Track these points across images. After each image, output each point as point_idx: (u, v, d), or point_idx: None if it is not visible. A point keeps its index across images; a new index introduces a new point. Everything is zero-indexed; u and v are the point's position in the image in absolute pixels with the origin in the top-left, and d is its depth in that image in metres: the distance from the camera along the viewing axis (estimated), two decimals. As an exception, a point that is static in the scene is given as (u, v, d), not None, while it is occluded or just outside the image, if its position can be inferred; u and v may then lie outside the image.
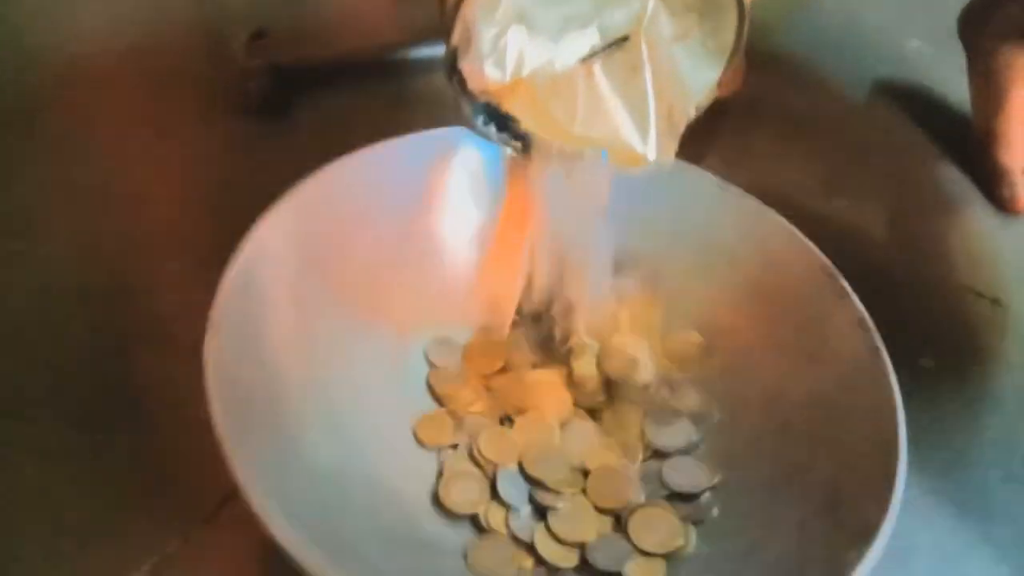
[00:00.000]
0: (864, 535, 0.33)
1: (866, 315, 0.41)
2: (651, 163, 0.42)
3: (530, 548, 0.39)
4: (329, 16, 0.74)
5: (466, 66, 0.40)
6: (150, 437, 0.44)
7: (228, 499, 0.41)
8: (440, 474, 0.41)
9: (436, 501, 0.40)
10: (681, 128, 0.43)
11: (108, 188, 0.57)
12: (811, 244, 0.44)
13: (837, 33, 0.82)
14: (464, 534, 0.40)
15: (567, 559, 0.38)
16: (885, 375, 0.39)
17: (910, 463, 0.36)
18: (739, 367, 0.45)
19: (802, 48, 0.79)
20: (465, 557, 0.38)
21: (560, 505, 0.40)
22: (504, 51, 0.40)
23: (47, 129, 0.61)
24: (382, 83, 0.67)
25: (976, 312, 0.57)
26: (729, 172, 0.49)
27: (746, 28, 0.42)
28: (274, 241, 0.41)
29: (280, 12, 0.73)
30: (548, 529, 0.39)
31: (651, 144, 0.42)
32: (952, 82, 0.77)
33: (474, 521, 0.40)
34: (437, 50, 0.68)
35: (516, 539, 0.39)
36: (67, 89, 0.64)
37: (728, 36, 0.42)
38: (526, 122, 0.42)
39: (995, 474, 0.48)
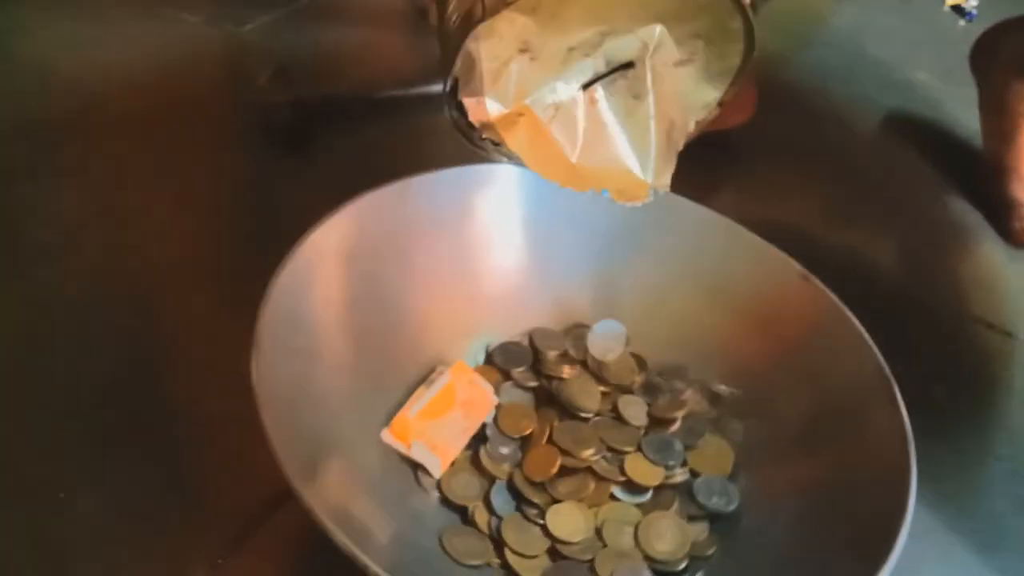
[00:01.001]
0: (875, 557, 0.34)
1: (873, 347, 0.42)
2: (650, 191, 0.42)
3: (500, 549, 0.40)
4: (349, 52, 0.76)
5: (467, 98, 0.40)
6: (176, 464, 0.44)
7: (254, 527, 0.42)
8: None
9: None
10: (680, 145, 0.43)
11: (135, 217, 0.58)
12: (819, 282, 0.45)
13: (845, 66, 0.83)
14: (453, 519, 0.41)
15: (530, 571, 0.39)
16: (890, 391, 0.40)
17: (923, 493, 0.36)
18: (754, 401, 0.46)
19: (811, 80, 0.80)
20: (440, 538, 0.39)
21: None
22: (507, 82, 0.39)
23: (75, 159, 0.62)
24: (402, 117, 0.68)
25: (988, 344, 0.58)
26: (740, 203, 0.50)
27: (754, 51, 0.41)
28: (316, 260, 0.41)
29: (301, 48, 0.75)
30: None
31: (650, 167, 0.42)
32: (960, 115, 0.78)
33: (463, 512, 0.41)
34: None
35: (493, 539, 0.40)
36: (94, 121, 0.65)
37: (734, 59, 0.42)
38: (524, 158, 0.42)
39: (1007, 505, 0.48)
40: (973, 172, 0.71)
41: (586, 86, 0.41)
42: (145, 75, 0.70)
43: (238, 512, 0.42)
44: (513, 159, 0.43)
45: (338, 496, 0.36)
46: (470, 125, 0.41)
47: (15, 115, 0.65)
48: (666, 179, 0.42)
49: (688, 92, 0.42)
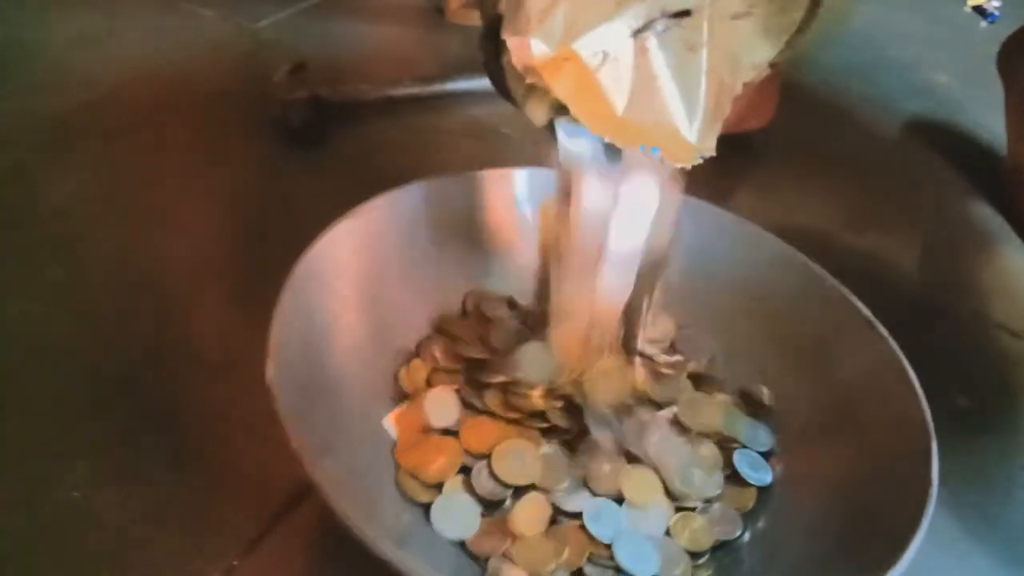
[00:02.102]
0: (891, 557, 0.33)
1: (897, 350, 0.42)
2: (696, 155, 0.39)
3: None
4: (366, 50, 0.76)
5: (511, 37, 0.37)
6: (191, 467, 0.44)
7: (268, 530, 0.42)
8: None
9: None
10: (727, 109, 0.40)
11: (149, 214, 0.58)
12: (839, 284, 0.45)
13: (866, 67, 0.83)
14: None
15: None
16: (914, 398, 0.39)
17: (944, 501, 0.36)
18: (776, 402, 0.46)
19: (831, 83, 0.79)
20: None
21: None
22: (554, 23, 0.37)
23: (90, 155, 0.62)
24: (419, 115, 0.68)
25: (1011, 352, 0.57)
26: (759, 205, 0.49)
27: (819, 6, 0.39)
28: (329, 262, 0.41)
29: (317, 44, 0.75)
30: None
31: (696, 127, 0.39)
32: (981, 117, 0.77)
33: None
34: (472, 84, 0.70)
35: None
36: (110, 117, 0.65)
37: (795, 15, 0.39)
38: (570, 105, 0.39)
39: (1032, 515, 0.47)
40: (995, 176, 0.70)
41: (637, 33, 0.39)
42: (160, 70, 0.70)
43: (253, 513, 0.42)
44: (548, 111, 0.40)
45: (353, 488, 0.36)
46: (505, 70, 0.39)
47: (30, 110, 0.65)
48: (711, 142, 0.39)
49: (742, 49, 0.40)
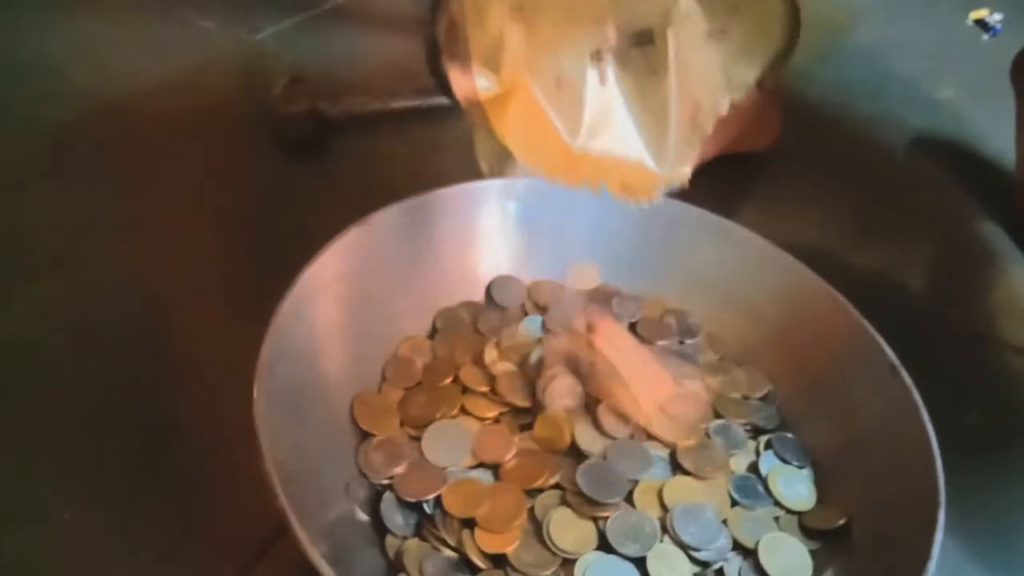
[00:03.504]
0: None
1: (898, 364, 0.41)
2: (662, 186, 0.37)
3: None
4: (365, 62, 0.75)
5: (452, 69, 0.35)
6: (187, 485, 0.43)
7: (264, 549, 0.41)
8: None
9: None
10: (707, 129, 0.38)
11: (148, 226, 0.57)
12: (844, 299, 0.44)
13: (870, 81, 0.82)
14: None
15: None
16: (920, 421, 0.39)
17: (951, 524, 0.35)
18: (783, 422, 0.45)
19: (835, 100, 0.79)
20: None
21: None
22: (497, 51, 0.34)
23: (88, 168, 0.61)
24: (419, 127, 0.67)
25: (1019, 370, 0.56)
26: (764, 222, 0.49)
27: (799, 31, 0.37)
28: (318, 288, 0.41)
29: (316, 56, 0.74)
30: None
31: (667, 154, 0.36)
32: (986, 131, 0.77)
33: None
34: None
35: None
36: (108, 129, 0.65)
37: (775, 30, 0.37)
38: (515, 147, 0.36)
39: (1041, 539, 0.47)
40: (1002, 191, 0.69)
41: (595, 56, 0.36)
42: (158, 81, 0.70)
43: (249, 532, 0.41)
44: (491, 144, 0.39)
45: (336, 535, 0.36)
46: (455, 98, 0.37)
47: (26, 120, 0.64)
48: (686, 168, 0.37)
49: (722, 69, 0.37)
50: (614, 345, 0.41)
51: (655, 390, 0.41)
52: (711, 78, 0.37)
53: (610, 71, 0.35)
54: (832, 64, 0.84)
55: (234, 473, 0.43)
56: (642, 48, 0.36)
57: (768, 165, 0.68)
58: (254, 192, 0.61)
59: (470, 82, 0.35)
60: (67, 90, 0.68)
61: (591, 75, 0.35)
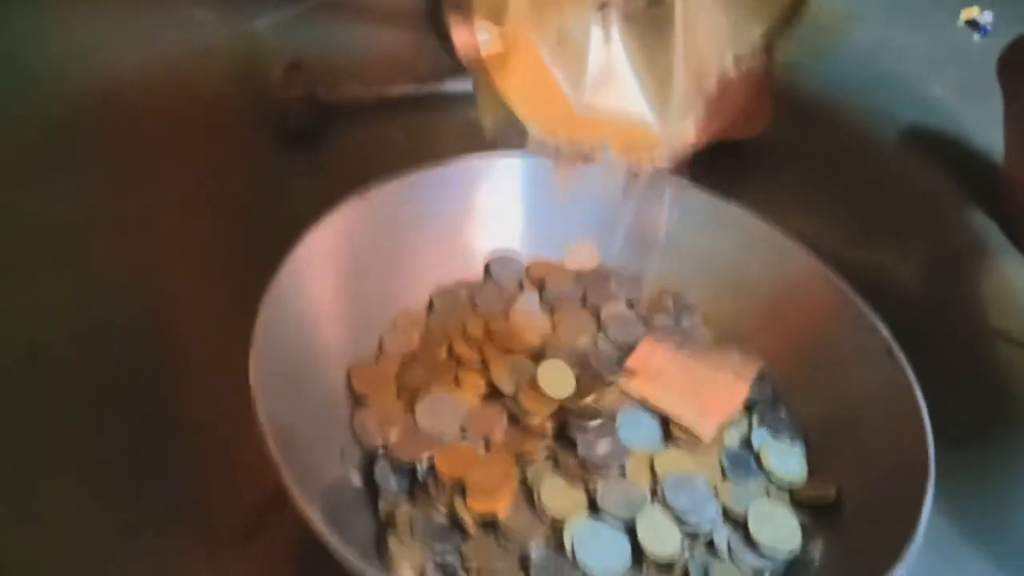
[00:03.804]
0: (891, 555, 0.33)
1: (893, 343, 0.41)
2: (664, 147, 0.36)
3: None
4: (362, 50, 0.76)
5: (454, 21, 0.34)
6: (180, 466, 0.43)
7: (256, 526, 0.41)
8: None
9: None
10: (710, 91, 0.37)
11: (147, 220, 0.57)
12: (841, 280, 0.45)
13: (861, 81, 0.83)
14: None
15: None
16: (914, 400, 0.39)
17: (942, 507, 0.35)
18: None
19: (828, 94, 0.80)
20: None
21: None
22: (501, 4, 0.34)
23: (86, 160, 0.62)
24: (415, 115, 0.68)
25: (1009, 359, 0.57)
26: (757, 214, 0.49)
27: None
28: (312, 262, 0.41)
29: (314, 45, 0.74)
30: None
31: (670, 110, 0.36)
32: (976, 129, 0.77)
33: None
34: (470, 85, 0.70)
35: None
36: (106, 121, 0.65)
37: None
38: (516, 101, 0.36)
39: (1034, 524, 0.47)
40: (992, 186, 0.70)
41: (602, 7, 0.36)
42: (156, 72, 0.70)
43: (243, 510, 0.41)
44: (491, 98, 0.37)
45: (330, 499, 0.36)
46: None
47: (24, 115, 0.64)
48: (688, 129, 0.37)
49: (728, 27, 0.36)
50: (657, 383, 0.42)
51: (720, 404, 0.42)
52: (718, 38, 0.36)
53: (615, 27, 0.35)
54: (826, 62, 0.85)
55: (232, 458, 0.43)
56: (649, 5, 0.35)
57: (760, 158, 0.68)
58: (252, 182, 0.62)
59: (471, 35, 0.34)
60: (64, 84, 0.68)
61: (595, 31, 0.35)
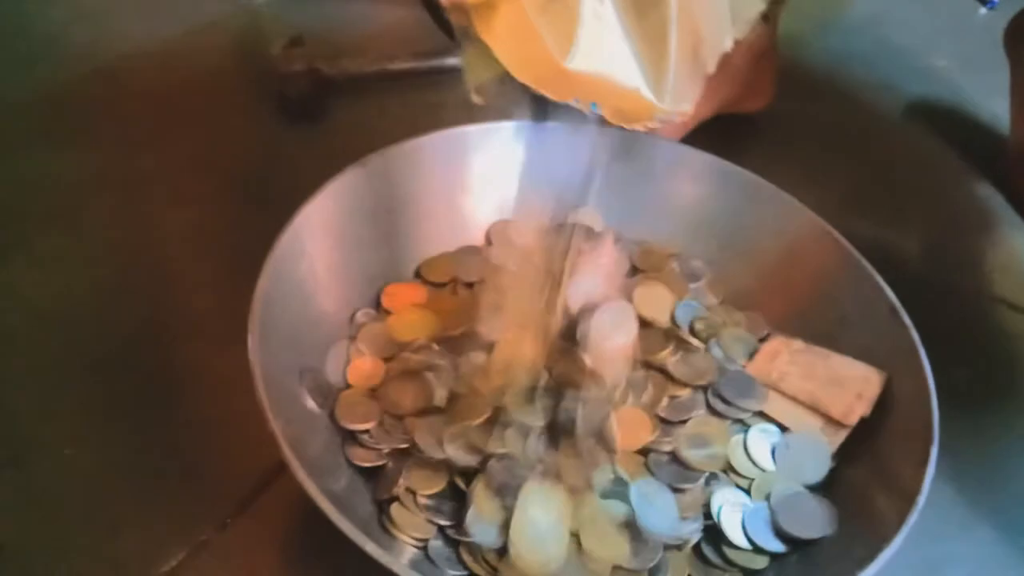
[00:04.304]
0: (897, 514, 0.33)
1: (897, 302, 0.42)
2: (661, 114, 0.35)
3: None
4: (363, 25, 0.76)
5: None
6: (185, 429, 0.44)
7: (260, 490, 0.41)
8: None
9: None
10: (710, 67, 0.36)
11: (147, 185, 0.58)
12: (845, 241, 0.45)
13: (865, 54, 0.83)
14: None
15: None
16: (917, 360, 0.39)
17: (945, 469, 0.35)
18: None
19: (831, 68, 0.79)
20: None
21: None
22: None
23: (87, 128, 0.62)
24: (415, 89, 0.68)
25: (1012, 325, 0.57)
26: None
27: None
28: (310, 231, 0.41)
29: (315, 19, 0.74)
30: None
31: (667, 87, 0.34)
32: (981, 101, 0.77)
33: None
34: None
35: None
36: (108, 91, 0.65)
37: None
38: (502, 55, 0.34)
39: (1034, 483, 0.47)
40: (996, 157, 0.70)
41: None
42: (157, 45, 0.70)
43: (246, 474, 0.42)
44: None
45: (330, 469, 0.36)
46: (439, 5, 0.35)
47: (28, 84, 0.64)
48: (687, 103, 0.36)
49: (726, 3, 0.36)
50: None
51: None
52: (715, 11, 0.36)
53: None
54: (829, 34, 0.84)
55: (234, 417, 0.43)
56: None
57: (764, 130, 0.68)
58: (252, 152, 0.62)
59: None
60: (66, 53, 0.68)
61: None
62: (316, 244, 0.41)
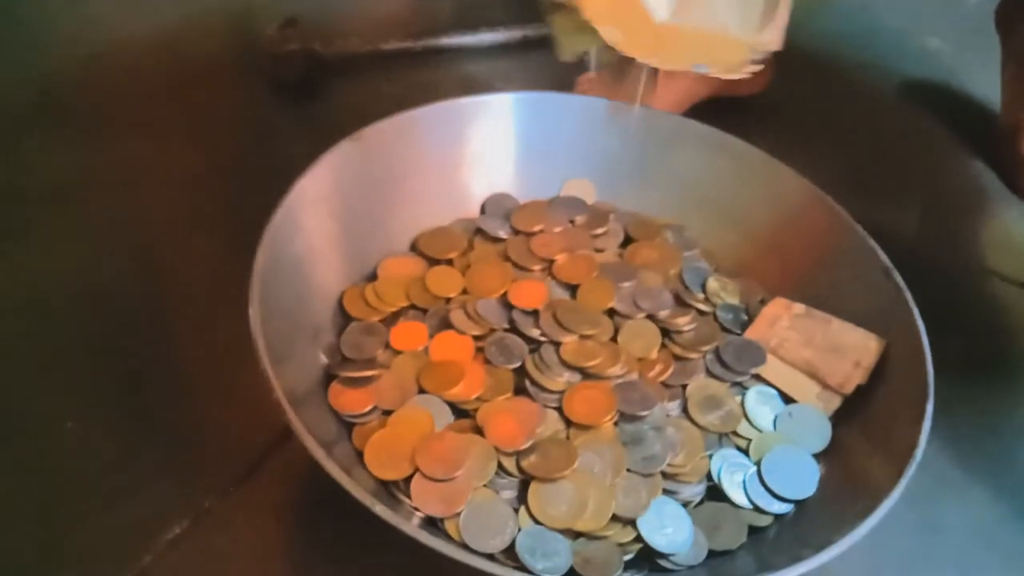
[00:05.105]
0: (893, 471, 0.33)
1: (891, 265, 0.42)
2: (748, 54, 0.36)
3: None
4: (358, 5, 0.76)
5: None
6: (187, 400, 0.44)
7: (261, 459, 0.41)
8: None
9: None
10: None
11: (143, 164, 0.58)
12: (839, 206, 0.45)
13: (859, 34, 0.83)
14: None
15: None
16: (912, 320, 0.39)
17: (939, 435, 0.36)
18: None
19: (825, 49, 0.80)
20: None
21: None
22: None
23: (83, 110, 0.62)
24: (409, 70, 0.68)
25: (1003, 296, 0.57)
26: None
27: None
28: (307, 203, 0.41)
29: (309, 6, 0.74)
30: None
31: (752, 25, 0.36)
32: (971, 80, 0.78)
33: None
34: (465, 40, 0.70)
35: None
36: (100, 76, 0.65)
37: None
38: (601, 23, 0.36)
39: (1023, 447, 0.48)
40: (986, 134, 0.70)
41: None
42: (151, 30, 0.70)
43: (247, 443, 0.42)
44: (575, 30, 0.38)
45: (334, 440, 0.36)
46: None
47: (23, 69, 0.65)
48: (772, 35, 0.37)
49: None
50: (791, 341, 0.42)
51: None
52: None
53: None
54: (822, 16, 0.84)
55: (233, 389, 0.44)
56: None
57: (759, 111, 0.68)
58: (247, 133, 0.62)
59: None
60: (58, 40, 0.68)
61: None
62: (311, 218, 0.41)
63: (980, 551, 0.43)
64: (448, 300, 0.43)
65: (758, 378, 0.42)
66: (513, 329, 0.41)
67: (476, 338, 0.41)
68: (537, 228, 0.47)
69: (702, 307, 0.44)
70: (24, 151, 0.57)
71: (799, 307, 0.43)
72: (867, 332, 0.41)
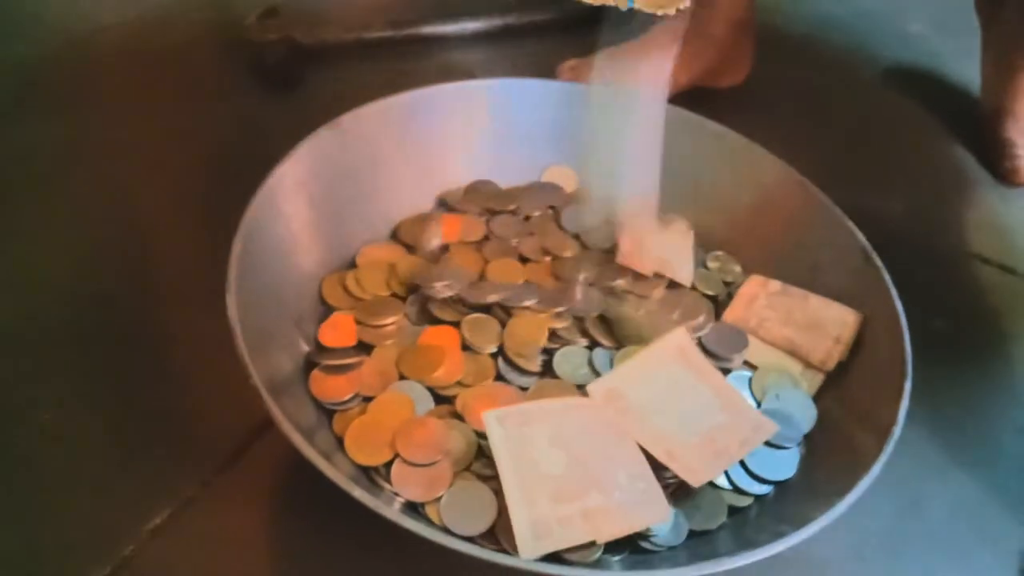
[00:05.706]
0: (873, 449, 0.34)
1: (869, 247, 0.42)
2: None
3: None
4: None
5: None
6: (169, 388, 0.44)
7: (244, 447, 0.41)
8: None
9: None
10: None
11: (123, 152, 0.57)
12: (816, 188, 0.45)
13: (842, 19, 0.83)
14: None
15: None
16: (890, 300, 0.40)
17: (921, 416, 0.36)
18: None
19: (808, 34, 0.80)
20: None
21: None
22: None
23: (64, 98, 0.62)
24: (393, 60, 0.68)
25: (987, 279, 0.57)
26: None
27: None
28: (283, 191, 0.41)
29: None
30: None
31: None
32: (953, 64, 0.78)
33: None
34: (446, 28, 0.70)
35: None
36: (83, 62, 0.65)
37: None
38: None
39: (1006, 426, 0.48)
40: (969, 117, 0.70)
41: None
42: (132, 17, 0.69)
43: (229, 432, 0.42)
44: None
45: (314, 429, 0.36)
46: None
47: (3, 58, 0.64)
48: None
49: None
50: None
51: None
52: None
53: None
54: (805, 3, 0.85)
55: (214, 377, 0.43)
56: None
57: (741, 97, 0.68)
58: (228, 121, 0.61)
59: None
60: (42, 25, 0.68)
61: None
62: (291, 205, 0.41)
63: (962, 531, 0.43)
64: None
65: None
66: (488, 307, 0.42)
67: (453, 324, 0.41)
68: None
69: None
70: (4, 138, 0.57)
71: (775, 284, 0.44)
72: (844, 307, 0.42)
